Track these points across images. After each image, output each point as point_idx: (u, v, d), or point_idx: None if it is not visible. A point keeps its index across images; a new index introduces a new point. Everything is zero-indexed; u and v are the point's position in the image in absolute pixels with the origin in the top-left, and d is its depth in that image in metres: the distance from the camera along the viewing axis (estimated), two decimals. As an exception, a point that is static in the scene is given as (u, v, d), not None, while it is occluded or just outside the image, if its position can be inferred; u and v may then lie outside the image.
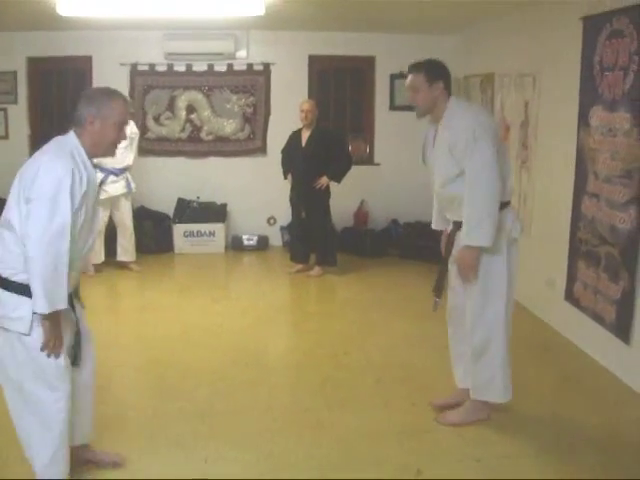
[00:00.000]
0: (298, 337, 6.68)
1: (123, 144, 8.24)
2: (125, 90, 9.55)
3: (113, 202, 8.66)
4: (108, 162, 8.35)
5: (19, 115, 10.13)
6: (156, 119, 10.13)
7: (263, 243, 10.13)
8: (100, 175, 8.35)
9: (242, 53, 10.06)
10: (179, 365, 5.77)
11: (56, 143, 3.62)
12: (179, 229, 9.92)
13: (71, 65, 10.19)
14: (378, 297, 7.82)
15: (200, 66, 10.03)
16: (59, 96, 10.36)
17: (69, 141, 3.60)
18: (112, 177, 8.45)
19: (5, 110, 10.11)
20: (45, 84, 10.32)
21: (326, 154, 8.40)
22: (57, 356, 3.56)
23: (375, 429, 4.70)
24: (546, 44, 7.00)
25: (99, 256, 8.75)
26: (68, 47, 9.87)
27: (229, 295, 8.15)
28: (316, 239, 8.74)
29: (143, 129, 9.68)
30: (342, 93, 10.56)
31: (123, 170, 8.54)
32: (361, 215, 10.31)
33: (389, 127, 10.16)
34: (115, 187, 8.52)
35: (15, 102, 10.10)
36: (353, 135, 10.49)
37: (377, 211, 10.30)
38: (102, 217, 8.59)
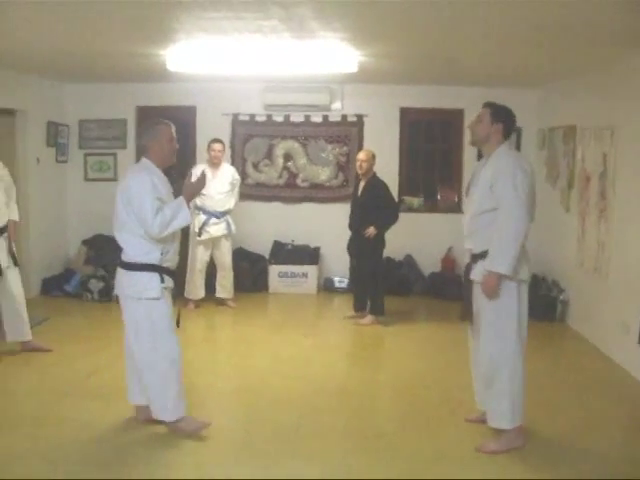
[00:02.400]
0: (381, 371, 7.11)
1: (225, 189, 8.92)
2: (226, 139, 10.16)
3: (214, 242, 9.25)
4: (210, 206, 8.96)
5: (127, 159, 10.79)
6: (255, 166, 10.73)
7: (353, 285, 10.48)
8: (203, 217, 8.96)
9: (337, 105, 10.61)
10: (269, 392, 6.27)
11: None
12: (274, 270, 10.41)
13: (176, 114, 10.72)
14: (462, 338, 8.07)
15: (297, 117, 10.62)
16: (166, 143, 11.03)
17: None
18: (214, 219, 9.05)
19: (115, 155, 10.90)
20: (153, 131, 11.00)
21: (376, 204, 8.51)
22: None
23: (445, 454, 5.07)
24: (624, 99, 7.34)
25: (200, 292, 9.35)
26: (174, 97, 10.62)
27: (318, 332, 8.55)
28: (366, 287, 8.86)
29: (243, 175, 10.26)
30: (432, 144, 11.01)
31: (224, 213, 9.14)
32: (448, 261, 10.59)
33: (477, 177, 10.48)
34: (216, 228, 9.11)
35: (124, 147, 10.89)
36: (442, 184, 10.90)
37: (464, 258, 10.52)
38: (203, 256, 9.20)
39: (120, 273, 5.13)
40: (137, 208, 4.92)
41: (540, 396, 6.23)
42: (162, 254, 5.02)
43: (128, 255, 5.04)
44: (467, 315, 5.28)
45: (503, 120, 5.07)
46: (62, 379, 6.47)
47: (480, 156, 5.54)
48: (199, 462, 4.86)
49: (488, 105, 5.15)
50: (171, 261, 5.16)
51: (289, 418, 5.67)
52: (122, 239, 5.08)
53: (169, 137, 5.17)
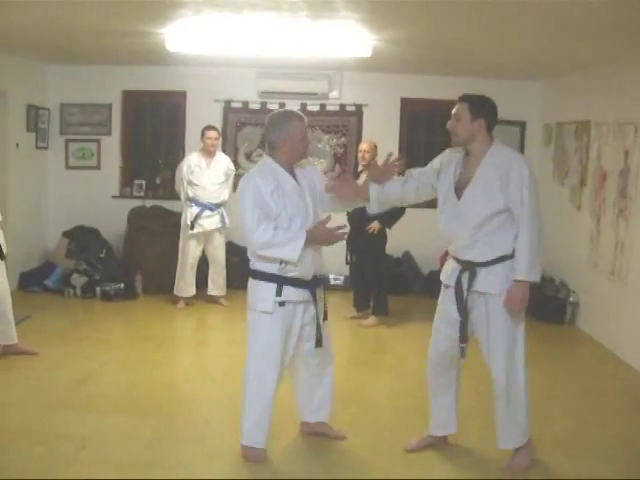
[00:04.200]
0: (397, 378, 6.56)
1: (220, 180, 8.41)
2: (218, 126, 9.64)
3: (207, 236, 8.75)
4: (204, 197, 8.47)
5: (112, 146, 10.35)
6: (248, 156, 10.21)
7: (349, 283, 10.04)
8: (196, 209, 8.46)
9: (335, 94, 10.14)
10: (276, 404, 5.61)
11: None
12: (266, 266, 9.87)
13: (165, 99, 10.39)
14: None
15: (293, 105, 9.97)
16: (152, 129, 10.60)
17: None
18: (207, 212, 8.55)
19: (98, 141, 10.34)
20: (139, 117, 10.57)
21: None
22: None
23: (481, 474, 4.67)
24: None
25: (190, 289, 8.86)
26: (163, 82, 10.12)
27: (318, 334, 8.05)
28: (368, 286, 8.48)
29: (235, 165, 9.63)
30: (432, 136, 10.53)
31: (218, 205, 8.62)
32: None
33: (478, 171, 10.10)
34: (210, 222, 8.61)
35: (109, 134, 10.33)
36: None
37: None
38: (195, 251, 8.70)
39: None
40: (241, 213, 4.52)
41: (562, 408, 5.96)
42: (281, 263, 4.50)
43: (251, 261, 4.65)
44: (466, 336, 4.67)
45: (484, 114, 4.50)
46: (52, 387, 5.91)
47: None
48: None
49: (464, 99, 4.56)
50: (301, 270, 4.55)
51: (310, 437, 5.13)
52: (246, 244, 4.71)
53: (303, 134, 4.62)
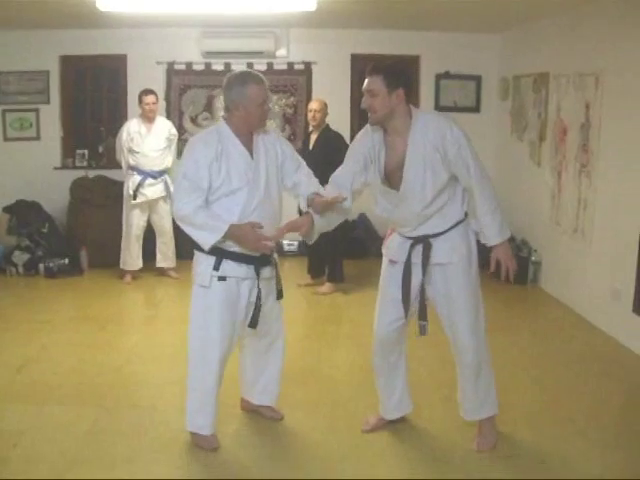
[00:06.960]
0: (353, 351, 6.20)
1: (161, 146, 8.00)
2: (161, 90, 9.30)
3: (151, 206, 8.38)
4: (146, 165, 8.09)
5: (51, 115, 9.89)
6: (193, 120, 9.81)
7: (304, 248, 9.68)
8: (138, 178, 8.09)
9: (282, 52, 9.76)
10: (230, 381, 4.93)
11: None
12: (218, 234, 9.51)
13: (105, 64, 9.96)
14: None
15: (239, 65, 9.57)
16: (93, 96, 10.15)
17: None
18: (150, 180, 8.18)
19: (37, 111, 9.87)
20: (79, 84, 10.11)
21: (332, 159, 7.66)
22: None
23: (445, 453, 4.41)
24: (611, 41, 6.64)
25: (137, 262, 8.50)
26: (102, 45, 9.64)
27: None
28: (322, 252, 8.06)
29: (180, 130, 9.27)
30: (386, 93, 10.19)
31: (162, 172, 8.25)
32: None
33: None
34: (153, 190, 8.23)
35: (47, 102, 9.86)
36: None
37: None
38: (140, 221, 8.32)
39: None
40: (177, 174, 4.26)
41: (526, 374, 5.71)
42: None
43: None
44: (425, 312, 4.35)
45: (402, 82, 4.00)
46: (-14, 376, 5.52)
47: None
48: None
49: (376, 71, 4.00)
50: None
51: (263, 420, 4.82)
52: None
53: (260, 100, 4.19)
